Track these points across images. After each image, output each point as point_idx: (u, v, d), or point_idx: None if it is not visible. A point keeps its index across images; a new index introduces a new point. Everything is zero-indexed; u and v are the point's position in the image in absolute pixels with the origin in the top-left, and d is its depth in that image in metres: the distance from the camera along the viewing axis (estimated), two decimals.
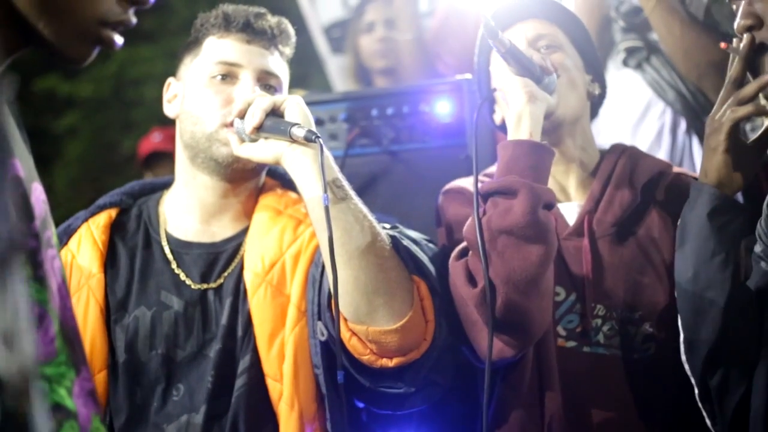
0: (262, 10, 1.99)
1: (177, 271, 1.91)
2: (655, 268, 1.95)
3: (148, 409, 1.85)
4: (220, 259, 1.92)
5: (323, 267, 1.77)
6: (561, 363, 1.89)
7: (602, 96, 2.12)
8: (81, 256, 1.92)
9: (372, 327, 1.71)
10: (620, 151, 2.07)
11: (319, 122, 2.39)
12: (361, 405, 1.89)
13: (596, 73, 2.10)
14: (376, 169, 2.41)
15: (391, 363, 1.74)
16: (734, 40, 1.69)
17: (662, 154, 2.75)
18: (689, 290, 1.70)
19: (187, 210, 1.97)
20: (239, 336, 1.85)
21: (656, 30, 2.68)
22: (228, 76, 1.92)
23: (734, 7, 1.68)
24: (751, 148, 1.72)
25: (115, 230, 1.98)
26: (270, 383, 1.81)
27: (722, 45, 1.73)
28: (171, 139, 4.24)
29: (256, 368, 1.82)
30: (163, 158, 4.28)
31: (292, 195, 1.94)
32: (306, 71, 4.40)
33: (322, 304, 1.79)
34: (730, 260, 1.66)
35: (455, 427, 1.98)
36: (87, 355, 1.75)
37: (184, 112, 1.95)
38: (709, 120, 1.72)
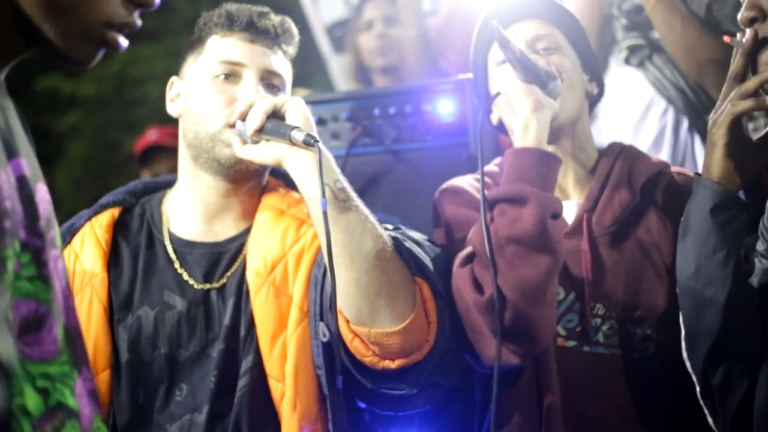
0: (266, 9, 1.99)
1: (180, 270, 1.91)
2: (654, 267, 1.95)
3: (151, 408, 1.85)
4: (222, 258, 1.92)
5: (326, 268, 1.77)
6: (560, 362, 1.89)
7: (600, 95, 2.12)
8: (84, 255, 1.93)
9: (374, 329, 1.71)
10: (618, 150, 2.07)
11: (321, 121, 2.39)
12: (363, 405, 1.89)
13: (594, 72, 2.10)
14: (378, 169, 2.41)
15: (393, 365, 1.74)
16: (738, 34, 1.69)
17: (664, 152, 2.75)
18: (690, 286, 1.70)
19: (190, 209, 1.97)
20: (242, 336, 1.85)
21: (657, 28, 2.68)
22: (231, 75, 1.92)
23: None
24: (754, 146, 1.72)
25: (118, 229, 1.98)
26: (272, 383, 1.81)
27: (725, 38, 1.73)
28: (167, 134, 4.25)
29: (258, 368, 1.82)
30: (160, 153, 4.26)
31: (295, 195, 1.94)
32: (308, 71, 4.40)
33: (324, 305, 1.79)
34: (732, 257, 1.66)
35: (457, 427, 1.99)
36: (90, 355, 1.76)
37: (187, 112, 1.95)
38: (711, 115, 1.72)
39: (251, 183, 1.96)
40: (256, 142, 1.81)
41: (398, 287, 1.72)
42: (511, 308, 1.75)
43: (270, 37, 1.95)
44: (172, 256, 1.93)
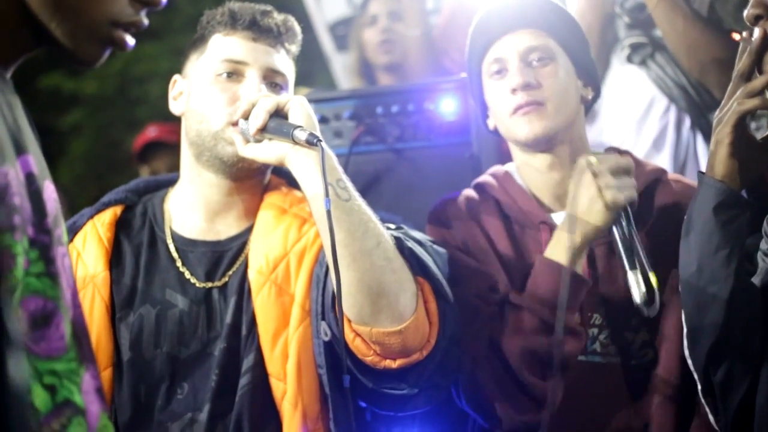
0: (268, 7, 1.99)
1: (182, 269, 1.91)
2: None
3: (153, 407, 1.85)
4: (224, 257, 1.92)
5: (327, 267, 1.77)
6: None
7: (595, 98, 2.11)
8: (86, 253, 1.93)
9: (376, 328, 1.71)
10: None
11: (324, 120, 2.39)
12: (364, 405, 1.89)
13: (589, 76, 2.07)
14: (380, 167, 2.41)
15: (394, 364, 1.74)
16: (744, 32, 1.68)
17: (666, 151, 2.75)
18: (693, 284, 1.70)
19: (192, 208, 1.97)
20: (243, 335, 1.85)
21: (660, 26, 2.68)
22: (234, 73, 1.92)
23: None
24: (759, 145, 1.72)
25: (121, 228, 1.98)
26: (273, 382, 1.81)
27: (734, 35, 1.72)
28: (167, 130, 4.24)
29: (259, 367, 1.82)
30: (159, 150, 4.25)
31: (297, 193, 1.94)
32: (311, 69, 4.41)
33: (325, 304, 1.79)
34: (734, 255, 1.66)
35: (458, 427, 1.99)
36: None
37: (190, 110, 1.95)
38: (716, 113, 1.72)
39: (253, 181, 1.96)
40: (258, 141, 1.81)
41: (400, 287, 1.72)
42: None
43: (273, 36, 1.95)
44: (174, 254, 1.93)
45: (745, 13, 1.64)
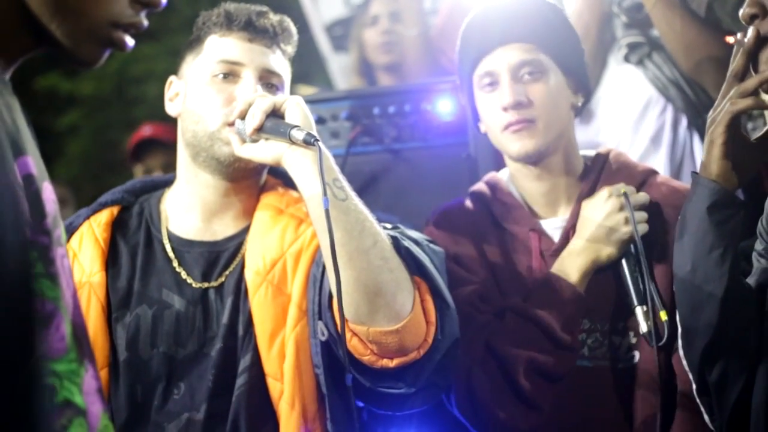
0: (264, 8, 1.99)
1: (178, 269, 1.91)
2: None
3: (149, 407, 1.85)
4: (221, 257, 1.92)
5: (324, 266, 1.77)
6: None
7: (585, 102, 2.11)
8: (82, 254, 1.93)
9: (373, 327, 1.71)
10: (601, 164, 2.07)
11: (321, 120, 2.39)
12: (361, 404, 1.89)
13: (580, 83, 2.07)
14: (377, 168, 2.41)
15: (391, 363, 1.74)
16: (739, 33, 1.69)
17: (663, 150, 2.75)
18: (687, 283, 1.70)
19: (189, 208, 1.97)
20: (240, 335, 1.85)
21: (657, 26, 2.68)
22: (230, 74, 1.92)
23: None
24: (753, 145, 1.72)
25: (117, 228, 1.98)
26: (270, 382, 1.81)
27: (728, 39, 1.72)
28: (161, 129, 4.23)
29: (256, 367, 1.82)
30: (152, 148, 4.23)
31: (294, 194, 1.94)
32: (308, 70, 4.41)
33: (322, 304, 1.79)
34: (729, 255, 1.66)
35: (456, 427, 1.99)
36: None
37: (186, 111, 1.95)
38: (710, 113, 1.72)
39: (250, 182, 1.96)
40: (255, 141, 1.81)
41: (397, 286, 1.72)
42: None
43: (269, 37, 1.95)
44: (171, 254, 1.93)
45: (741, 12, 1.64)
